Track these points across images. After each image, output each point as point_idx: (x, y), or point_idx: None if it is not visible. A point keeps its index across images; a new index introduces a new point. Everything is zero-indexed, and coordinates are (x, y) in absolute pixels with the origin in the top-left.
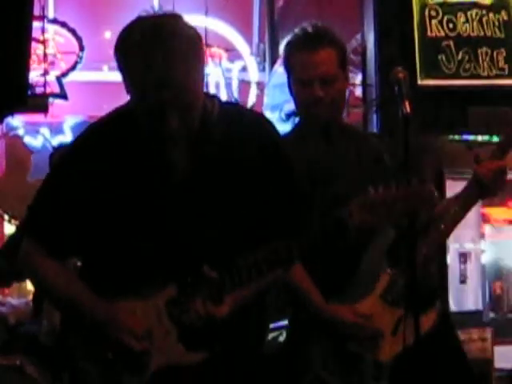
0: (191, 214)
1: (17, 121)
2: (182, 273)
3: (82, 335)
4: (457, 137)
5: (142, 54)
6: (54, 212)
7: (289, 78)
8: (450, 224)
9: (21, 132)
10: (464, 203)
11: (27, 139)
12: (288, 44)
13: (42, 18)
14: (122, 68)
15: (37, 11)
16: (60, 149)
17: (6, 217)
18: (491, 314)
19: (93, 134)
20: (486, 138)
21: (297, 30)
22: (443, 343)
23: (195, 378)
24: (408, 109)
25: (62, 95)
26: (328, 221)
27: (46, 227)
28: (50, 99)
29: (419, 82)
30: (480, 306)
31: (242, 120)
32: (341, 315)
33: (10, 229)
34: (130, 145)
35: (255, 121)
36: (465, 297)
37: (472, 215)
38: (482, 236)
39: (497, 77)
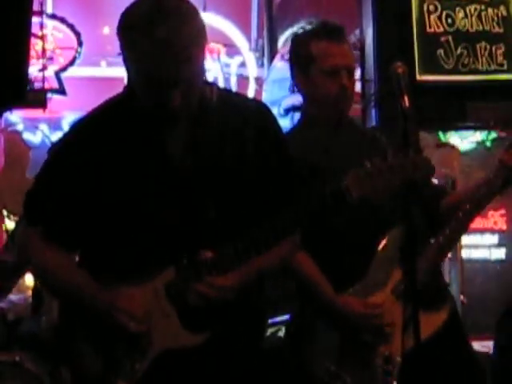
0: (188, 197)
1: (15, 116)
2: (180, 256)
3: (82, 322)
4: (455, 132)
5: (145, 28)
6: (54, 199)
7: (307, 68)
8: (474, 208)
9: (20, 128)
10: (489, 189)
11: (26, 135)
12: (304, 35)
13: (41, 13)
14: (125, 45)
15: (35, 6)
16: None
17: (5, 212)
18: None
19: (91, 121)
20: (484, 133)
21: (309, 24)
22: (453, 341)
23: (196, 364)
24: (407, 103)
25: (61, 90)
26: (326, 194)
27: (46, 214)
28: (49, 94)
29: (418, 77)
30: None
31: (240, 105)
32: (351, 306)
33: (9, 224)
34: (127, 130)
35: (254, 106)
36: None
37: None
38: None
39: (495, 72)
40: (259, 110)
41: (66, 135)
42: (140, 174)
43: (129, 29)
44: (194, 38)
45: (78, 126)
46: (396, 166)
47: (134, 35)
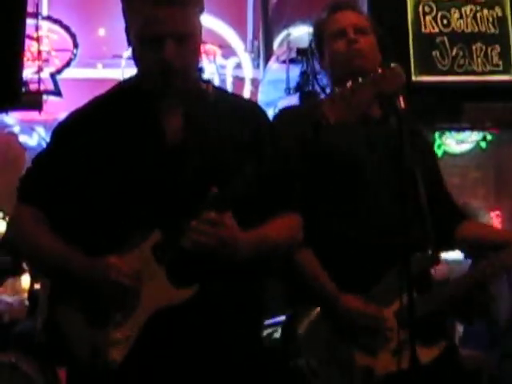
0: (176, 170)
1: (11, 118)
2: (167, 221)
3: (71, 295)
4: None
5: None
6: (48, 176)
7: (322, 50)
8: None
9: (16, 130)
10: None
11: (22, 138)
12: (316, 22)
13: (36, 14)
14: (126, 7)
15: (30, 8)
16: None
17: (1, 214)
18: None
19: (90, 106)
20: (480, 134)
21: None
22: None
23: (188, 327)
24: (402, 104)
25: (56, 92)
26: (305, 128)
27: (39, 190)
28: (44, 96)
29: (413, 78)
30: None
31: (235, 102)
32: (354, 303)
33: (3, 226)
34: (125, 113)
35: (249, 105)
36: None
37: None
38: None
39: (491, 73)
40: (254, 108)
41: (67, 118)
42: (131, 148)
43: None
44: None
45: (80, 110)
46: (368, 83)
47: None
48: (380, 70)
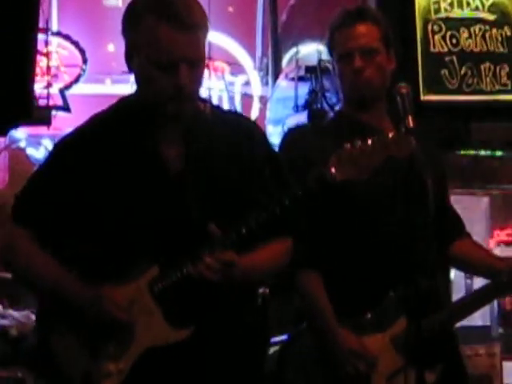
0: (175, 199)
1: (19, 133)
2: (164, 256)
3: (63, 321)
4: (460, 152)
5: (157, 7)
6: (44, 197)
7: (334, 65)
8: None
9: (23, 144)
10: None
11: (29, 151)
12: (329, 29)
13: (46, 30)
14: (134, 30)
15: (40, 24)
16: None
17: None
18: (500, 330)
19: (90, 125)
20: (488, 153)
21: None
22: None
23: (181, 364)
24: (411, 123)
25: (65, 108)
26: (309, 178)
27: (34, 212)
28: (53, 112)
29: (422, 97)
30: (488, 322)
31: (232, 121)
32: (348, 339)
33: None
34: (123, 134)
35: (245, 122)
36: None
37: (480, 231)
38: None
39: (499, 92)
40: (250, 126)
41: (68, 136)
42: (131, 176)
43: (138, 12)
44: (203, 17)
45: (81, 128)
46: (378, 146)
47: (144, 15)
48: (391, 134)
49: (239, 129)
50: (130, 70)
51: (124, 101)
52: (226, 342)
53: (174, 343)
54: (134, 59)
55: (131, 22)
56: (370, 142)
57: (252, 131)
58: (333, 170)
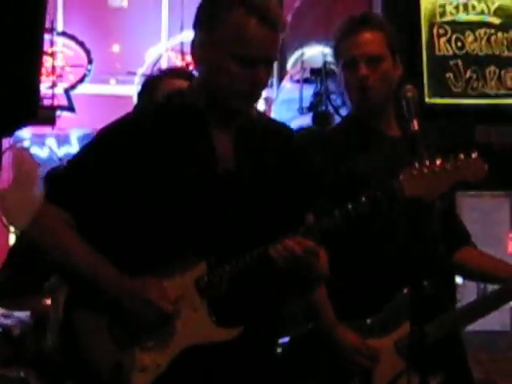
0: (224, 198)
1: (24, 132)
2: (208, 253)
3: (95, 307)
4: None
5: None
6: (89, 183)
7: (339, 73)
8: None
9: (27, 143)
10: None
11: (33, 150)
12: (335, 36)
13: (51, 30)
14: (215, 20)
15: (46, 24)
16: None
17: (12, 228)
18: None
19: (141, 117)
20: None
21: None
22: None
23: (222, 363)
24: (416, 127)
25: (70, 108)
26: (379, 190)
27: (76, 196)
28: (58, 112)
29: (427, 100)
30: (508, 327)
31: (273, 125)
32: (349, 336)
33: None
34: (178, 130)
35: (284, 127)
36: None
37: (497, 232)
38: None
39: (504, 96)
40: (289, 133)
41: (115, 127)
42: (182, 169)
43: (224, 5)
44: (282, 18)
45: (129, 120)
46: (450, 168)
47: (233, 9)
48: (463, 157)
49: (286, 138)
50: (197, 61)
51: (176, 95)
52: (269, 345)
53: (220, 343)
54: (207, 51)
55: (215, 14)
56: (438, 162)
57: (290, 137)
58: (404, 184)
